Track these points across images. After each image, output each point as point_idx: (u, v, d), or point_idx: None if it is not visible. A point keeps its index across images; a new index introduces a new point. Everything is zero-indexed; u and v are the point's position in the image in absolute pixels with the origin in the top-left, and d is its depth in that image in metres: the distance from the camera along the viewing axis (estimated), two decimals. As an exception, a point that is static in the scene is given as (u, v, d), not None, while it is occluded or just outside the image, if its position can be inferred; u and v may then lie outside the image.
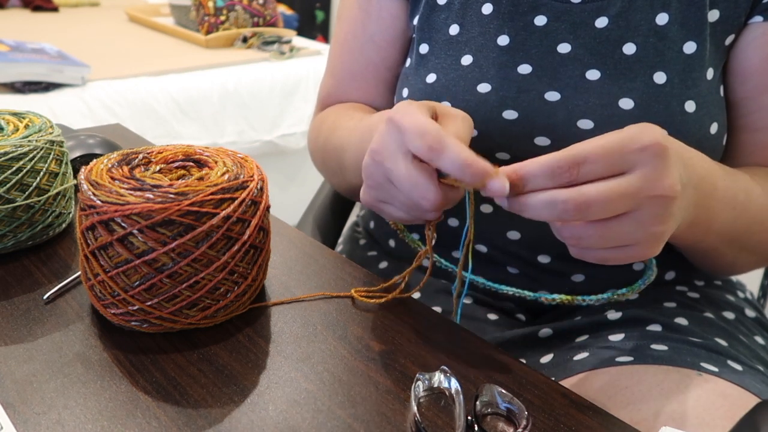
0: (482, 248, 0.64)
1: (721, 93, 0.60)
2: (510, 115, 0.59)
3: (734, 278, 0.72)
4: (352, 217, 0.90)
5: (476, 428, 0.39)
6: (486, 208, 0.63)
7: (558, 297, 0.50)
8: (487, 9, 0.62)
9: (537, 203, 0.41)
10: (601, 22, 0.58)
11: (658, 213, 0.41)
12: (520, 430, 0.39)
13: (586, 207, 0.39)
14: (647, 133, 0.40)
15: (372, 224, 0.78)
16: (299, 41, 2.39)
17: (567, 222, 0.42)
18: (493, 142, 0.59)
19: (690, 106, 0.56)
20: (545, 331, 0.62)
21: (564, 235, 0.43)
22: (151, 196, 0.44)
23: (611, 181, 0.40)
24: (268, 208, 0.50)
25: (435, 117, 0.47)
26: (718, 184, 0.50)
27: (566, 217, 0.40)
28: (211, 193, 0.45)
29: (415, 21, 0.67)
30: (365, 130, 0.58)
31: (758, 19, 0.57)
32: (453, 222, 0.65)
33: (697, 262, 0.62)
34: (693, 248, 0.57)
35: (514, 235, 0.62)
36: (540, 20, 0.60)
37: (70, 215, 0.61)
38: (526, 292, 0.52)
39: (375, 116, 0.59)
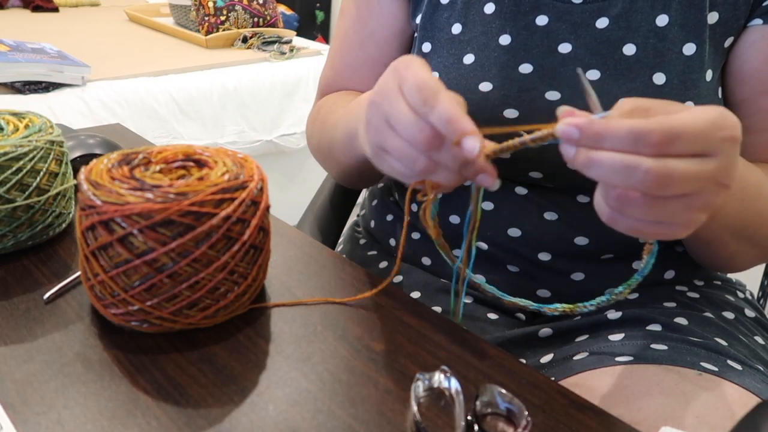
0: (483, 246, 0.64)
1: (720, 95, 0.60)
2: (511, 114, 0.59)
3: (734, 278, 0.72)
4: (353, 217, 0.90)
5: (476, 428, 0.39)
6: (487, 206, 0.63)
7: (560, 306, 0.50)
8: (489, 8, 0.62)
9: (612, 164, 0.37)
10: (602, 22, 0.58)
11: (711, 200, 0.39)
12: (520, 430, 0.39)
13: (667, 182, 0.37)
14: (729, 120, 0.38)
15: (372, 224, 0.78)
16: (299, 41, 2.39)
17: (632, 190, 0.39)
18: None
19: None
20: (545, 331, 0.62)
21: (612, 196, 0.39)
22: (151, 196, 0.44)
23: (696, 161, 0.37)
24: (268, 208, 0.50)
25: None
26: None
27: (640, 186, 0.37)
28: (211, 193, 0.45)
29: (418, 20, 0.67)
30: (354, 105, 0.59)
31: (758, 21, 0.57)
32: (454, 219, 0.65)
33: (697, 253, 0.61)
34: (695, 235, 0.56)
35: (514, 232, 0.62)
36: (541, 20, 0.60)
37: (70, 215, 0.61)
38: (529, 302, 0.51)
39: (365, 93, 0.59)
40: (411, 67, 0.44)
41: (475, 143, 0.41)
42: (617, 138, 0.37)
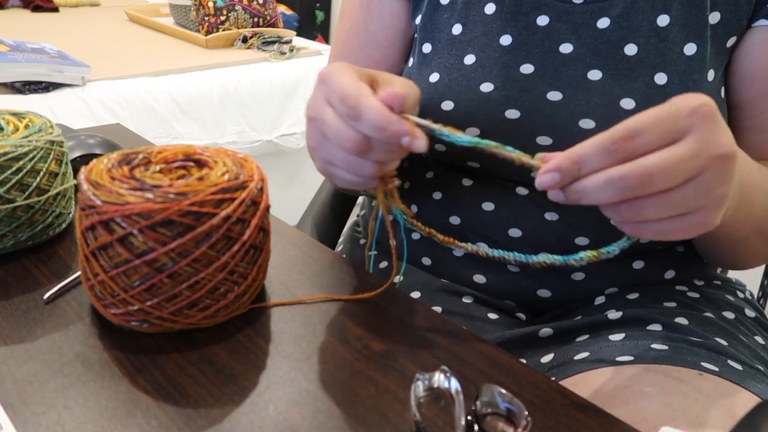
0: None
1: (722, 95, 0.60)
2: (512, 114, 0.59)
3: (734, 278, 0.72)
4: (352, 217, 0.90)
5: (476, 428, 0.39)
6: (487, 206, 0.63)
7: (586, 255, 0.48)
8: (489, 9, 0.62)
9: (596, 184, 0.39)
10: (603, 22, 0.58)
11: (721, 174, 0.39)
12: (520, 430, 0.39)
13: (648, 178, 0.38)
14: (694, 97, 0.39)
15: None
16: (299, 41, 2.39)
17: (629, 199, 0.40)
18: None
19: None
20: (545, 331, 0.62)
21: (623, 211, 0.40)
22: (151, 196, 0.44)
23: (669, 148, 0.38)
24: (268, 208, 0.50)
25: (374, 85, 0.47)
26: (753, 167, 0.51)
27: (629, 193, 0.39)
28: (211, 193, 0.45)
29: (418, 20, 0.67)
30: None
31: (763, 22, 0.58)
32: (455, 220, 0.65)
33: (718, 254, 0.61)
34: (728, 238, 0.56)
35: (515, 232, 0.62)
36: (542, 20, 0.60)
37: (70, 215, 0.61)
38: (556, 257, 0.50)
39: None
40: (333, 76, 0.44)
41: (420, 143, 0.42)
42: (590, 158, 0.39)
